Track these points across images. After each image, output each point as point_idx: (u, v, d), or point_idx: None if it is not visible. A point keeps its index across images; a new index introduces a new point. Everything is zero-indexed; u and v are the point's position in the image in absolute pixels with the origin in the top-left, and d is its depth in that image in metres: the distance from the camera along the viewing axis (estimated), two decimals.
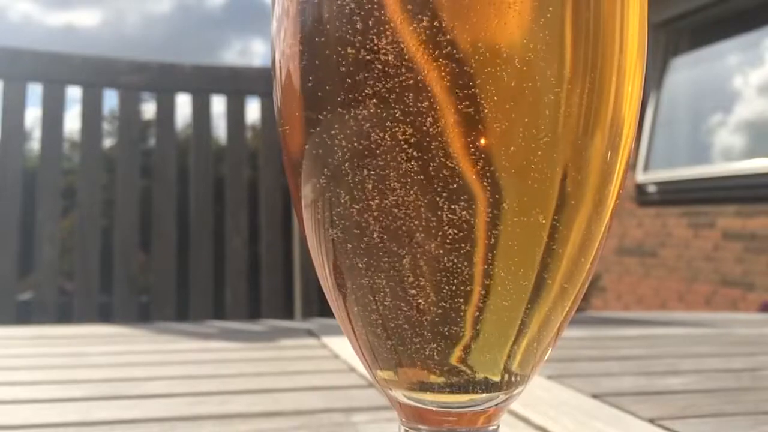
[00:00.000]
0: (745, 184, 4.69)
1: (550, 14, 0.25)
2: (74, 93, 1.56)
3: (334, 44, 0.26)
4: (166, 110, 1.59)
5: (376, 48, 0.25)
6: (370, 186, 0.26)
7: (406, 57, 0.25)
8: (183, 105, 1.66)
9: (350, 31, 0.25)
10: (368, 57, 0.25)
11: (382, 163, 0.26)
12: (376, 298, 0.27)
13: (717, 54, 5.24)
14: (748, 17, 4.91)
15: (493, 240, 0.26)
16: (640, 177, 5.52)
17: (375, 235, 0.26)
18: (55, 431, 0.54)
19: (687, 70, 5.45)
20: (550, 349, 0.30)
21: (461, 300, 0.26)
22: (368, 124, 0.26)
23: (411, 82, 0.25)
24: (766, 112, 4.86)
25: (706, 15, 5.22)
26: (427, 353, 0.27)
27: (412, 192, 0.26)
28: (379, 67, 0.25)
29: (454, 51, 0.25)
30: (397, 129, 0.25)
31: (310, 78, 0.27)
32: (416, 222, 0.26)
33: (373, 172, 0.26)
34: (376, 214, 0.26)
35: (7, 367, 0.78)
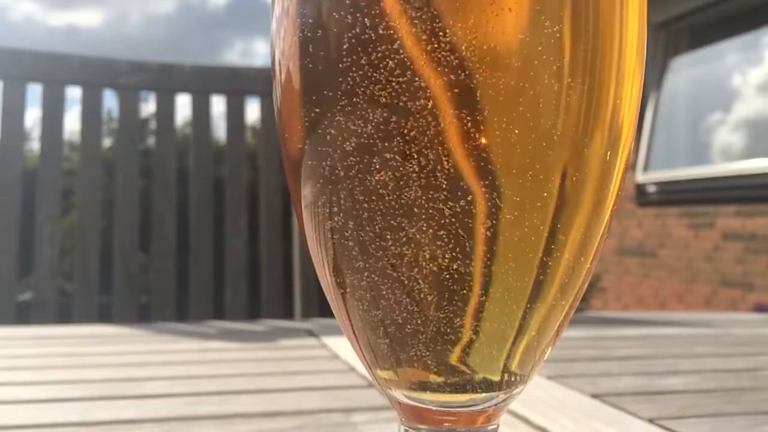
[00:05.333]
0: (744, 184, 4.70)
1: (549, 15, 0.25)
2: (74, 93, 1.56)
3: (334, 44, 0.26)
4: (166, 111, 1.59)
5: (375, 47, 0.25)
6: (369, 186, 0.26)
7: (406, 57, 0.25)
8: (183, 105, 1.66)
9: (350, 31, 0.25)
10: (368, 56, 0.25)
11: (381, 163, 0.26)
12: (376, 298, 0.27)
13: (716, 54, 5.24)
14: (747, 17, 4.91)
15: (492, 240, 0.26)
16: (640, 177, 5.52)
17: (375, 235, 0.26)
18: (54, 431, 0.54)
19: (686, 71, 5.46)
20: (550, 348, 0.30)
21: (461, 300, 0.26)
22: (368, 124, 0.26)
23: (411, 82, 0.25)
24: (766, 112, 4.86)
25: (705, 15, 5.22)
26: (427, 353, 0.27)
27: (411, 192, 0.26)
28: (380, 66, 0.25)
29: (454, 52, 0.25)
30: (396, 129, 0.25)
31: (310, 78, 0.27)
32: (416, 222, 0.26)
33: (372, 172, 0.26)
34: (375, 214, 0.26)
35: (7, 368, 0.78)
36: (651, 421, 0.58)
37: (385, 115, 0.25)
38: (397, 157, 0.25)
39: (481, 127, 0.25)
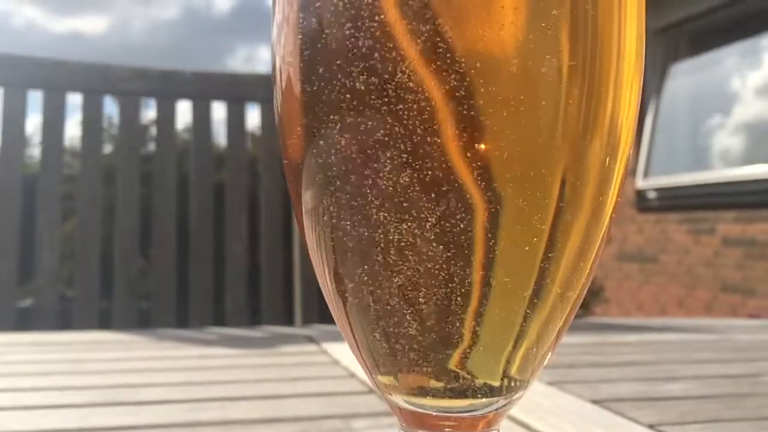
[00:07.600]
0: (744, 190, 4.70)
1: (547, 21, 0.25)
2: (75, 100, 1.56)
3: (334, 50, 0.26)
4: (167, 117, 1.60)
5: (375, 54, 0.25)
6: (370, 192, 0.26)
7: (406, 64, 0.25)
8: (183, 111, 1.66)
9: (350, 38, 0.26)
10: (368, 63, 0.25)
11: (382, 169, 0.26)
12: (377, 304, 0.27)
13: (716, 60, 5.25)
14: (747, 24, 4.92)
15: (492, 246, 0.26)
16: (640, 183, 5.52)
17: (375, 242, 0.27)
18: None
19: (686, 77, 5.46)
20: (550, 354, 0.30)
21: (461, 305, 0.26)
22: (368, 130, 0.26)
23: (410, 89, 0.25)
24: (765, 118, 4.86)
25: (705, 21, 5.23)
26: (427, 358, 0.27)
27: (411, 198, 0.26)
28: (379, 72, 0.25)
29: (454, 59, 0.25)
30: (396, 135, 0.25)
31: (311, 84, 0.27)
32: (415, 228, 0.26)
33: (373, 178, 0.26)
34: (376, 220, 0.26)
35: (8, 374, 0.78)
36: (651, 427, 0.58)
37: (384, 121, 0.25)
38: (396, 163, 0.26)
39: (481, 134, 0.25)
